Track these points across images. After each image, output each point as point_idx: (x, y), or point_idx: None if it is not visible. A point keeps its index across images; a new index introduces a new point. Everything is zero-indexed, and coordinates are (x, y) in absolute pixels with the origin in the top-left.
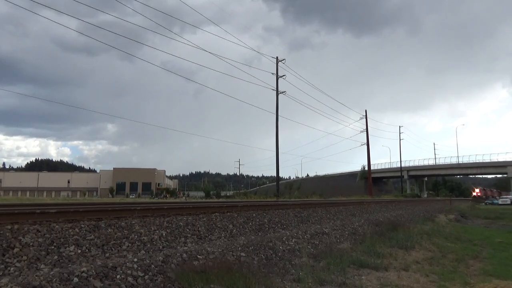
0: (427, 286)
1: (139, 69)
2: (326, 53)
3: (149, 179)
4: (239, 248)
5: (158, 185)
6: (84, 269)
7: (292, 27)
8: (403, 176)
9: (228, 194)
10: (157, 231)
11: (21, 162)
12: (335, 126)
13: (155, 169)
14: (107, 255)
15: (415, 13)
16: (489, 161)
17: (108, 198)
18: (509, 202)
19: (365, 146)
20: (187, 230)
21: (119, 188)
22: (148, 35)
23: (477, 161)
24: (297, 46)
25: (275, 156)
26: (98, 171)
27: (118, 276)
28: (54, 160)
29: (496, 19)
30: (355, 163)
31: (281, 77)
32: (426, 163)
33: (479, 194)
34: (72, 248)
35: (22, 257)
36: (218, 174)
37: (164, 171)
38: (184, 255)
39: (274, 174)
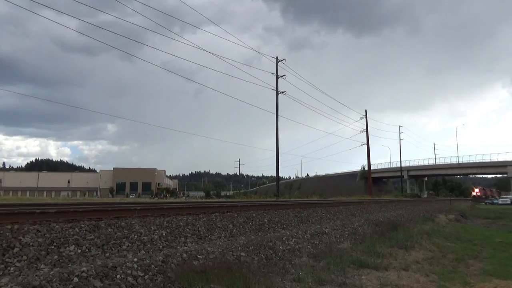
0: (427, 286)
1: (139, 69)
2: (326, 53)
3: (149, 179)
4: (239, 248)
5: (158, 185)
6: (84, 269)
7: (292, 27)
8: (403, 176)
9: (228, 194)
10: (157, 231)
11: (21, 162)
12: (335, 126)
13: (155, 169)
14: (107, 255)
15: (415, 13)
16: (489, 161)
17: (108, 198)
18: (509, 202)
19: (365, 146)
20: (187, 230)
21: (119, 188)
22: (148, 35)
23: (477, 161)
24: (297, 46)
25: (275, 156)
26: (98, 171)
27: (118, 276)
28: (54, 160)
29: (496, 19)
30: (355, 163)
31: (281, 77)
32: (426, 163)
33: (478, 194)
34: (72, 248)
35: (22, 257)
36: (218, 174)
37: (164, 171)
38: (184, 255)
39: (274, 174)
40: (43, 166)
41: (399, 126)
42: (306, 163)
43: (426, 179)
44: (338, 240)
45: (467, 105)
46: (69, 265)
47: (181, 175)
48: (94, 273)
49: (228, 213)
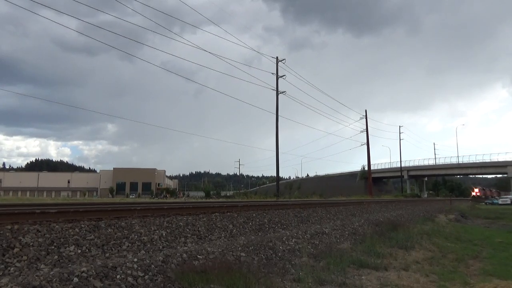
0: (427, 286)
1: (139, 69)
2: (326, 53)
3: (149, 179)
4: (239, 248)
5: (158, 185)
6: (84, 269)
7: (292, 27)
8: (403, 176)
9: (228, 194)
10: (157, 231)
11: (21, 162)
12: (335, 126)
13: (155, 169)
14: (107, 255)
15: (415, 13)
16: (489, 161)
17: (108, 198)
18: (509, 202)
19: (365, 146)
20: (187, 230)
21: (119, 188)
22: (148, 35)
23: (477, 161)
24: (297, 46)
25: (275, 156)
26: (98, 171)
27: (118, 276)
28: (54, 160)
29: (496, 19)
30: (355, 163)
31: (281, 77)
32: (426, 163)
33: (478, 194)
34: (72, 248)
35: (22, 257)
36: (218, 174)
37: (164, 171)
38: (184, 255)
39: (274, 174)
40: (43, 166)
41: (399, 126)
42: (306, 163)
43: (426, 179)
44: (338, 240)
45: (467, 105)
46: (69, 265)
47: (181, 175)
48: (94, 273)
49: (228, 213)
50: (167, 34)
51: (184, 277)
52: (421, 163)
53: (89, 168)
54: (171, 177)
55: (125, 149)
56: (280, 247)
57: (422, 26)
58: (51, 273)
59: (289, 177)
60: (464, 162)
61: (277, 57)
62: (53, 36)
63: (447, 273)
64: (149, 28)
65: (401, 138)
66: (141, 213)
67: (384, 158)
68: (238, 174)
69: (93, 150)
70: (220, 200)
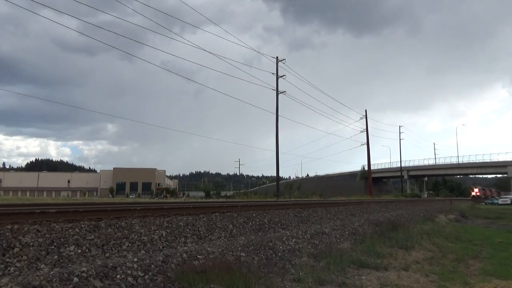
0: (427, 286)
1: (139, 69)
2: (326, 53)
3: (149, 179)
4: (239, 248)
5: (158, 185)
6: (84, 269)
7: (292, 27)
8: (403, 176)
9: (228, 194)
10: (157, 231)
11: (21, 162)
12: (335, 126)
13: (155, 169)
14: (107, 255)
15: (415, 13)
16: (489, 161)
17: (108, 198)
18: (509, 202)
19: (365, 146)
20: (187, 230)
21: (119, 188)
22: (148, 35)
23: (477, 161)
24: (297, 46)
25: (275, 156)
26: (98, 171)
27: (118, 276)
28: (54, 160)
29: (496, 19)
30: (355, 163)
31: (281, 77)
32: (426, 163)
33: (478, 194)
34: (72, 248)
35: (22, 257)
36: (218, 174)
37: (164, 171)
38: (184, 255)
39: (274, 174)
40: (43, 166)
41: (399, 126)
42: (306, 163)
43: (426, 179)
44: (338, 240)
45: (467, 105)
46: (69, 265)
47: (181, 175)
48: (94, 273)
49: (228, 213)
50: (167, 34)
51: (184, 277)
52: (421, 163)
53: (89, 168)
54: (171, 177)
55: (125, 149)
56: (280, 247)
57: (422, 26)
58: (51, 273)
59: (289, 177)
60: (464, 162)
61: (277, 57)
62: (53, 36)
63: (447, 273)
64: (149, 28)
65: (401, 138)
66: (141, 213)
67: (384, 158)
68: (238, 174)
69: (93, 150)
70: (220, 200)
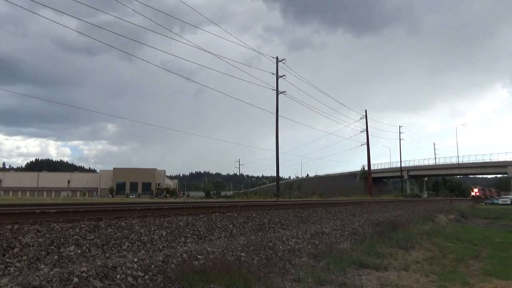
0: (427, 286)
1: (139, 69)
2: (326, 53)
3: (149, 179)
4: (239, 248)
5: (158, 185)
6: (84, 269)
7: (292, 27)
8: (403, 176)
9: (228, 194)
10: (157, 231)
11: (21, 162)
12: (335, 126)
13: (155, 169)
14: (107, 255)
15: (415, 13)
16: (489, 161)
17: (108, 198)
18: (509, 202)
19: (365, 146)
20: (187, 230)
21: (119, 188)
22: (148, 35)
23: (477, 161)
24: (297, 46)
25: (275, 156)
26: (98, 171)
27: (118, 276)
28: (54, 160)
29: (496, 19)
30: (355, 163)
31: (281, 77)
32: (426, 163)
33: (478, 194)
34: (72, 248)
35: (22, 257)
36: (218, 174)
37: (164, 171)
38: (184, 255)
39: (274, 174)
40: (43, 166)
41: (399, 126)
42: (306, 163)
43: (426, 179)
44: (338, 240)
45: (467, 105)
46: (69, 265)
47: (181, 175)
48: (94, 273)
49: (228, 213)
50: (167, 34)
51: (184, 277)
52: (421, 163)
53: (89, 168)
54: (171, 177)
55: (125, 149)
56: (280, 247)
57: (422, 26)
58: (51, 273)
59: (289, 177)
60: (464, 162)
61: (277, 57)
62: (53, 36)
63: (447, 273)
64: (149, 28)
65: (401, 138)
66: (141, 213)
67: (384, 158)
68: (238, 174)
69: (93, 150)
70: (220, 200)
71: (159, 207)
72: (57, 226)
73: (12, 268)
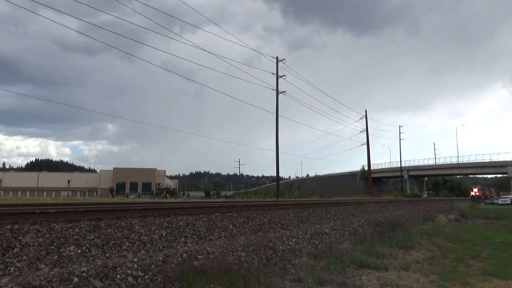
0: (427, 286)
1: (139, 69)
2: (326, 53)
3: (149, 179)
4: (239, 248)
5: (158, 185)
6: (84, 269)
7: (292, 27)
8: (403, 176)
9: (228, 194)
10: (157, 231)
11: (21, 162)
12: (335, 126)
13: (155, 169)
14: (107, 255)
15: (415, 13)
16: (489, 161)
17: (108, 198)
18: (509, 202)
19: (365, 146)
20: (187, 230)
21: (119, 188)
22: (148, 35)
23: (477, 161)
24: (297, 46)
25: (275, 156)
26: (98, 171)
27: (118, 276)
28: (54, 160)
29: (496, 19)
30: (355, 163)
31: (281, 77)
32: (426, 163)
33: (477, 193)
34: (72, 248)
35: (22, 257)
36: (218, 174)
37: (164, 171)
38: (184, 255)
39: (274, 174)
40: (43, 166)
41: (399, 126)
42: (306, 163)
43: (426, 179)
44: (338, 240)
45: (467, 105)
46: (69, 265)
47: (181, 175)
48: (94, 273)
49: (228, 213)
50: (167, 34)
51: (184, 277)
52: (421, 163)
53: (89, 168)
54: (171, 177)
55: (125, 149)
56: (280, 247)
57: (422, 26)
58: (51, 273)
59: (289, 177)
60: (464, 162)
61: (277, 57)
62: (53, 36)
63: (447, 273)
64: (149, 28)
65: (401, 138)
66: (141, 213)
67: (384, 158)
68: (238, 174)
69: (93, 150)
70: (220, 200)
71: (159, 207)
72: (57, 226)
73: (12, 268)
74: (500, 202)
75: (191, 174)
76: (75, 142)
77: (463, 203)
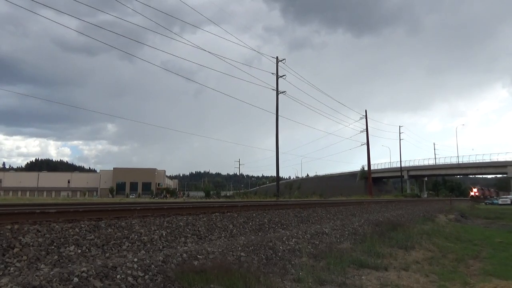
0: (427, 286)
1: (139, 69)
2: (326, 53)
3: (149, 179)
4: (239, 248)
5: (158, 185)
6: (84, 269)
7: (292, 27)
8: (403, 176)
9: (228, 194)
10: (157, 231)
11: (21, 162)
12: (335, 126)
13: (155, 169)
14: (107, 255)
15: (415, 13)
16: (489, 161)
17: (108, 198)
18: (509, 202)
19: (365, 146)
20: (187, 230)
21: (119, 188)
22: (148, 35)
23: (477, 161)
24: (297, 46)
25: (275, 156)
26: (98, 171)
27: (118, 276)
28: (54, 160)
29: (496, 19)
30: (355, 163)
31: (281, 77)
32: (426, 163)
33: (477, 193)
34: (72, 248)
35: (22, 257)
36: (218, 174)
37: (164, 171)
38: (184, 255)
39: (274, 174)
40: (43, 166)
41: (399, 126)
42: (306, 163)
43: (426, 179)
44: (338, 240)
45: (467, 105)
46: (69, 265)
47: (181, 175)
48: (94, 273)
49: (228, 213)
50: (167, 34)
51: (184, 277)
52: (421, 163)
53: (89, 168)
54: (171, 177)
55: (125, 149)
56: (280, 247)
57: (422, 26)
58: (51, 273)
59: (289, 177)
60: (464, 162)
61: (277, 57)
62: (53, 36)
63: (447, 273)
64: (149, 28)
65: (401, 138)
66: (141, 213)
67: (384, 158)
68: (238, 174)
69: (93, 150)
70: (220, 200)
71: (159, 207)
72: (57, 226)
73: (12, 268)
74: (500, 202)
75: (191, 174)
76: (75, 142)
77: (463, 203)
